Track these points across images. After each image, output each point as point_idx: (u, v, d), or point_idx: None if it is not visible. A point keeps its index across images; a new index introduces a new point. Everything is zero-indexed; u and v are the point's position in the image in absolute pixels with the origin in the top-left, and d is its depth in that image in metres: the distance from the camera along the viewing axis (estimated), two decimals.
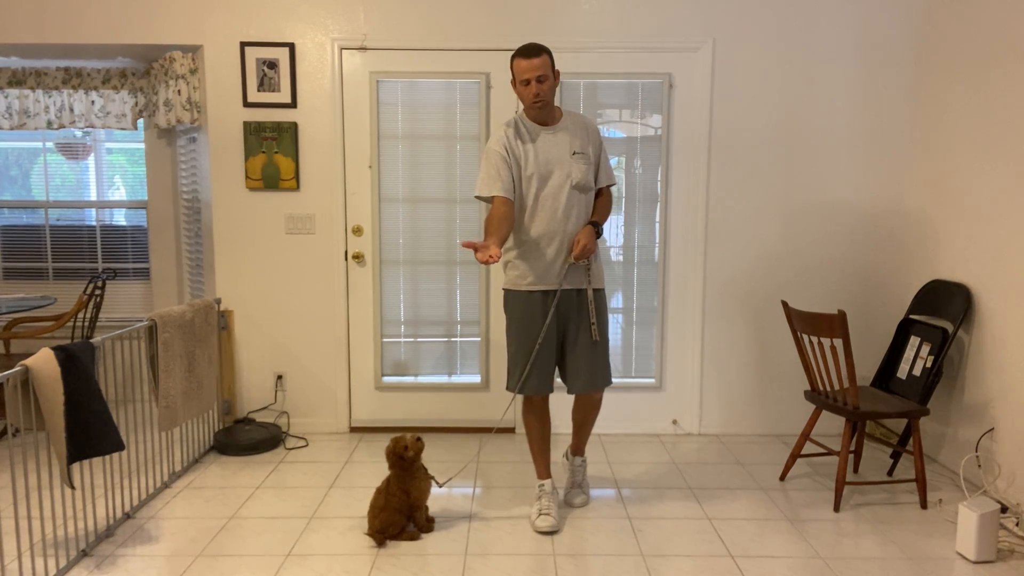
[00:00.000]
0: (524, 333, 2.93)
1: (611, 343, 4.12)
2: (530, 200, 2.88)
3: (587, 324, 2.93)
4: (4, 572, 2.53)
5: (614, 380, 4.09)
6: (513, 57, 2.82)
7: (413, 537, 2.87)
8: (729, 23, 3.91)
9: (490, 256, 2.51)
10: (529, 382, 2.93)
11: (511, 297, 2.97)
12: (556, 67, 2.92)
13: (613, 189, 3.71)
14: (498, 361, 4.11)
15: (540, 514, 2.98)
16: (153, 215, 4.59)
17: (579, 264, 2.90)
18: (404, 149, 4.00)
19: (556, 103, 3.77)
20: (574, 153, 2.88)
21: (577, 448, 3.30)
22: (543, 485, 3.06)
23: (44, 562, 2.59)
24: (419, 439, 2.85)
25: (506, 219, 2.78)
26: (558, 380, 3.07)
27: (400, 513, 2.85)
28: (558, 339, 2.97)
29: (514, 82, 2.85)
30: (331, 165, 3.98)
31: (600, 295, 2.99)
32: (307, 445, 3.96)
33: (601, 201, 3.01)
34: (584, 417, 3.14)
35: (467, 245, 2.53)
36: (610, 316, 4.11)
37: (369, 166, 3.99)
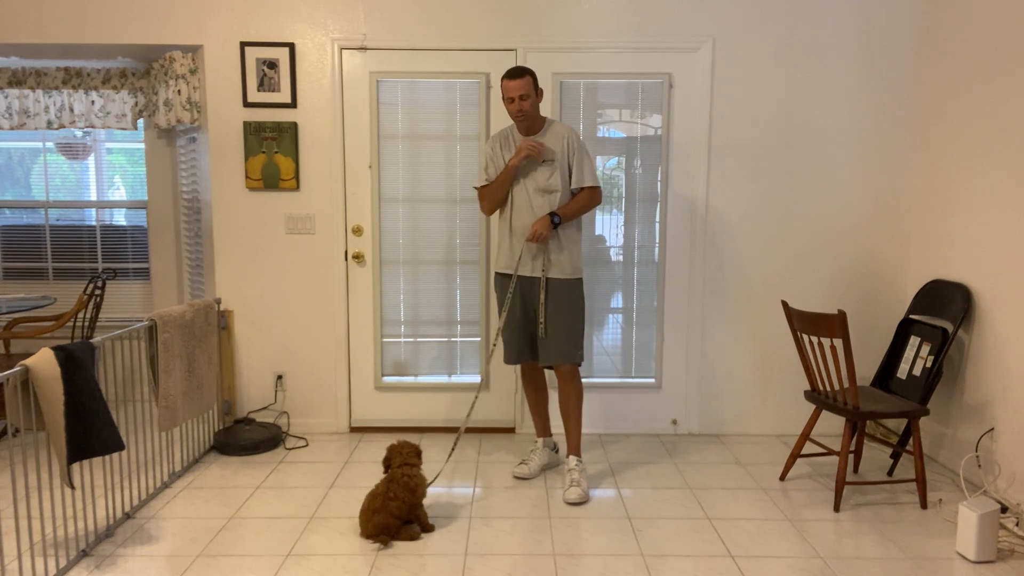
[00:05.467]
0: (500, 310, 3.44)
1: (610, 343, 4.13)
2: (507, 199, 3.35)
3: (542, 310, 3.31)
4: (4, 572, 2.53)
5: (614, 380, 4.13)
6: (502, 78, 3.24)
7: (413, 537, 2.87)
8: (729, 23, 3.91)
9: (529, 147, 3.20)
10: (505, 353, 3.48)
11: (495, 278, 3.49)
12: (540, 87, 3.31)
13: (614, 190, 3.99)
14: (498, 361, 4.11)
15: (520, 463, 3.54)
16: (153, 215, 4.59)
17: (535, 248, 3.29)
18: (404, 149, 4.00)
19: (555, 104, 3.98)
20: (544, 160, 3.27)
21: (570, 447, 3.39)
22: (536, 442, 3.62)
23: (44, 562, 2.59)
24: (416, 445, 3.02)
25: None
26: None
27: (397, 517, 2.85)
28: (532, 318, 3.39)
29: (504, 99, 3.27)
30: (331, 165, 3.98)
31: (562, 284, 3.31)
32: (307, 445, 3.96)
33: (575, 198, 3.32)
34: (562, 399, 3.37)
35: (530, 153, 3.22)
36: (609, 316, 4.11)
37: (369, 166, 3.99)
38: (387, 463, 2.93)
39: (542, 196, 3.27)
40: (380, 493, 2.86)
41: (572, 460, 3.35)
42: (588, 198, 3.31)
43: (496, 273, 3.46)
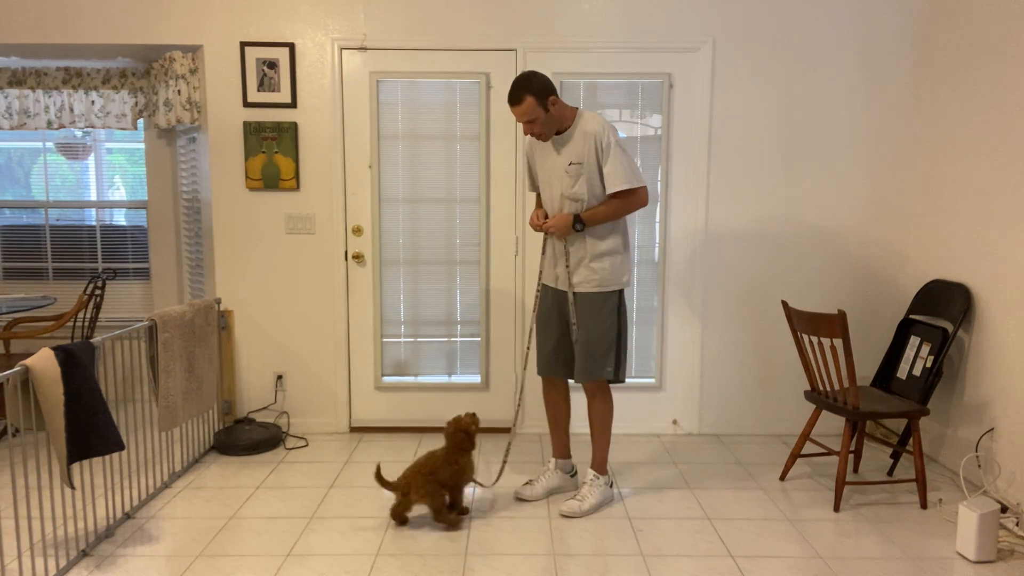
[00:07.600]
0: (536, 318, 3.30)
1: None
2: (543, 204, 3.21)
3: (574, 322, 3.13)
4: (4, 572, 2.53)
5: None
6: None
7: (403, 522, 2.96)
8: (729, 23, 3.91)
9: (538, 220, 3.08)
10: (537, 363, 3.29)
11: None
12: (551, 94, 2.93)
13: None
14: (498, 361, 4.11)
15: (526, 483, 3.30)
16: (153, 215, 4.59)
17: (562, 259, 3.11)
18: (404, 149, 4.00)
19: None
20: (570, 164, 3.02)
21: (591, 461, 3.22)
22: (550, 462, 3.34)
23: (44, 562, 2.59)
24: (474, 414, 3.03)
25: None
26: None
27: (445, 485, 2.93)
28: (566, 331, 3.19)
29: None
30: (331, 165, 3.98)
31: (589, 297, 3.08)
32: (307, 445, 3.96)
33: (607, 202, 3.01)
34: (588, 414, 3.20)
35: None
36: None
37: (369, 166, 3.99)
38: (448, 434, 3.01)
39: (570, 204, 3.03)
40: (440, 455, 2.94)
41: (590, 474, 3.20)
42: (621, 203, 2.98)
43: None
